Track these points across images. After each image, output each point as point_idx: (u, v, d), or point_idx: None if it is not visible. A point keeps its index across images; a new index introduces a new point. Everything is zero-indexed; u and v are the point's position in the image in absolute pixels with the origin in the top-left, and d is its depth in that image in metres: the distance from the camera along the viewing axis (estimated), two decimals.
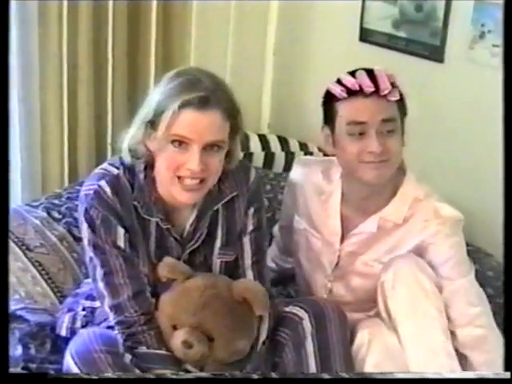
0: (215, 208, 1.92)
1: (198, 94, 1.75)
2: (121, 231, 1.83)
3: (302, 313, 1.93)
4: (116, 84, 2.77)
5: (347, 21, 2.85)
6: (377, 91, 1.90)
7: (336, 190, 2.07)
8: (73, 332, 1.94)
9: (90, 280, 1.92)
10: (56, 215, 2.38)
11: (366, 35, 2.80)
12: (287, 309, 1.96)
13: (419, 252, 2.00)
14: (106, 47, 2.72)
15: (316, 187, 2.12)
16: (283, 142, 2.99)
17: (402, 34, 2.70)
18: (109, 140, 2.78)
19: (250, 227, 1.97)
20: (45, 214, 2.36)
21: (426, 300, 1.92)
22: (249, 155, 2.86)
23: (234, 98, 1.83)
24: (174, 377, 1.67)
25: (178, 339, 1.79)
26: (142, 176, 1.86)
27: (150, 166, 1.87)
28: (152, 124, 1.79)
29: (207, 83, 1.78)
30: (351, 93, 1.92)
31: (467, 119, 2.55)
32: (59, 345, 1.97)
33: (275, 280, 2.28)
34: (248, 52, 3.10)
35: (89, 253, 1.85)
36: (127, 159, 1.86)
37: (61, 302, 2.14)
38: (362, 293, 2.09)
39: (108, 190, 1.82)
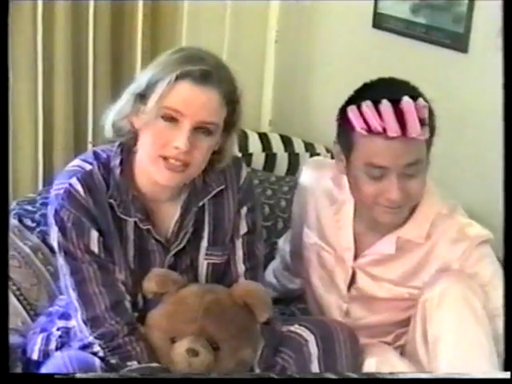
0: (201, 203, 1.93)
1: (200, 67, 1.77)
2: (94, 234, 1.84)
3: (307, 334, 1.93)
4: (97, 78, 2.78)
5: (359, 5, 2.84)
6: (403, 133, 1.83)
7: (349, 200, 2.04)
8: (46, 355, 1.94)
9: (64, 296, 1.92)
10: (29, 223, 2.38)
11: (380, 21, 2.80)
12: (292, 328, 1.95)
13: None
14: (86, 44, 2.76)
15: (328, 194, 2.10)
16: (286, 141, 2.98)
17: (421, 19, 2.69)
18: (89, 138, 2.78)
19: (244, 229, 1.97)
20: (16, 222, 2.37)
21: (475, 325, 1.89)
22: (248, 156, 2.85)
23: (237, 83, 1.85)
24: (174, 377, 1.71)
25: (181, 348, 1.79)
26: (117, 171, 1.87)
27: (127, 151, 1.88)
28: (142, 97, 1.80)
29: (210, 60, 1.81)
30: (373, 131, 1.85)
31: (494, 115, 2.54)
32: (31, 369, 1.97)
33: (276, 299, 2.27)
34: (247, 39, 3.11)
35: (59, 259, 1.86)
36: (109, 134, 1.87)
37: (34, 322, 2.14)
38: (384, 314, 2.08)
39: (80, 188, 1.84)
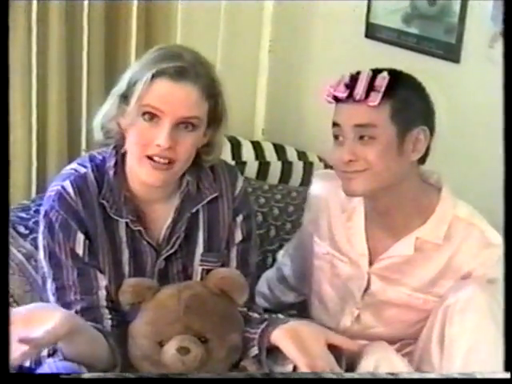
0: (194, 210, 1.96)
1: (175, 64, 1.81)
2: (80, 237, 1.88)
3: None
4: (91, 86, 2.78)
5: (352, 15, 2.85)
6: (350, 95, 1.95)
7: (359, 206, 2.09)
8: (38, 361, 1.91)
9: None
10: (22, 230, 2.37)
11: (372, 31, 2.80)
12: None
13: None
14: (80, 50, 2.75)
15: (339, 203, 2.13)
16: (279, 150, 2.98)
17: (413, 30, 2.70)
18: (83, 146, 2.78)
19: (239, 237, 2.01)
20: (10, 229, 2.35)
21: (496, 332, 1.88)
22: (241, 164, 2.85)
23: (216, 76, 1.89)
24: (175, 377, 1.69)
25: (171, 349, 1.81)
26: (111, 172, 1.91)
27: (122, 152, 1.92)
28: (125, 98, 1.86)
29: (187, 57, 1.85)
30: (334, 98, 1.98)
31: (486, 125, 2.55)
32: None
33: (266, 310, 2.27)
34: (240, 48, 3.10)
35: (43, 260, 1.91)
36: (98, 136, 1.92)
37: None
38: (396, 326, 2.09)
39: (71, 190, 1.89)
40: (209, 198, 1.97)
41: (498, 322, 1.89)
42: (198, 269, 1.97)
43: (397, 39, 2.73)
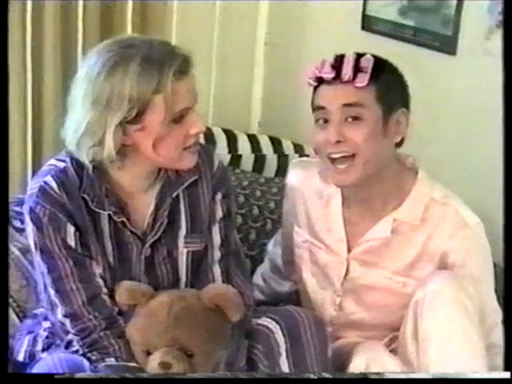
0: (175, 194, 1.96)
1: (179, 59, 1.80)
2: (71, 229, 1.87)
3: (273, 325, 1.94)
4: None
5: (348, 7, 2.86)
6: (339, 77, 1.94)
7: (336, 192, 2.09)
8: (32, 356, 1.95)
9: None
10: (18, 225, 2.36)
11: (368, 23, 2.81)
12: (259, 321, 1.97)
13: (444, 266, 2.01)
14: (75, 45, 2.76)
15: (316, 190, 2.13)
16: (275, 143, 2.99)
17: (409, 22, 2.70)
18: None
19: (220, 215, 2.01)
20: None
21: (466, 323, 1.91)
22: (237, 157, 2.85)
23: None
24: (174, 377, 1.71)
25: (154, 362, 1.80)
26: (90, 166, 1.88)
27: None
28: (135, 117, 1.79)
29: (163, 48, 1.83)
30: (318, 80, 1.98)
31: (482, 118, 2.55)
32: (17, 371, 1.96)
33: (262, 302, 2.27)
34: (236, 41, 3.12)
35: (35, 257, 1.90)
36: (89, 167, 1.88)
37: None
38: (378, 311, 2.09)
39: (54, 184, 1.87)
40: (189, 182, 1.97)
41: (466, 310, 1.92)
42: (182, 251, 1.97)
43: (393, 31, 2.74)
